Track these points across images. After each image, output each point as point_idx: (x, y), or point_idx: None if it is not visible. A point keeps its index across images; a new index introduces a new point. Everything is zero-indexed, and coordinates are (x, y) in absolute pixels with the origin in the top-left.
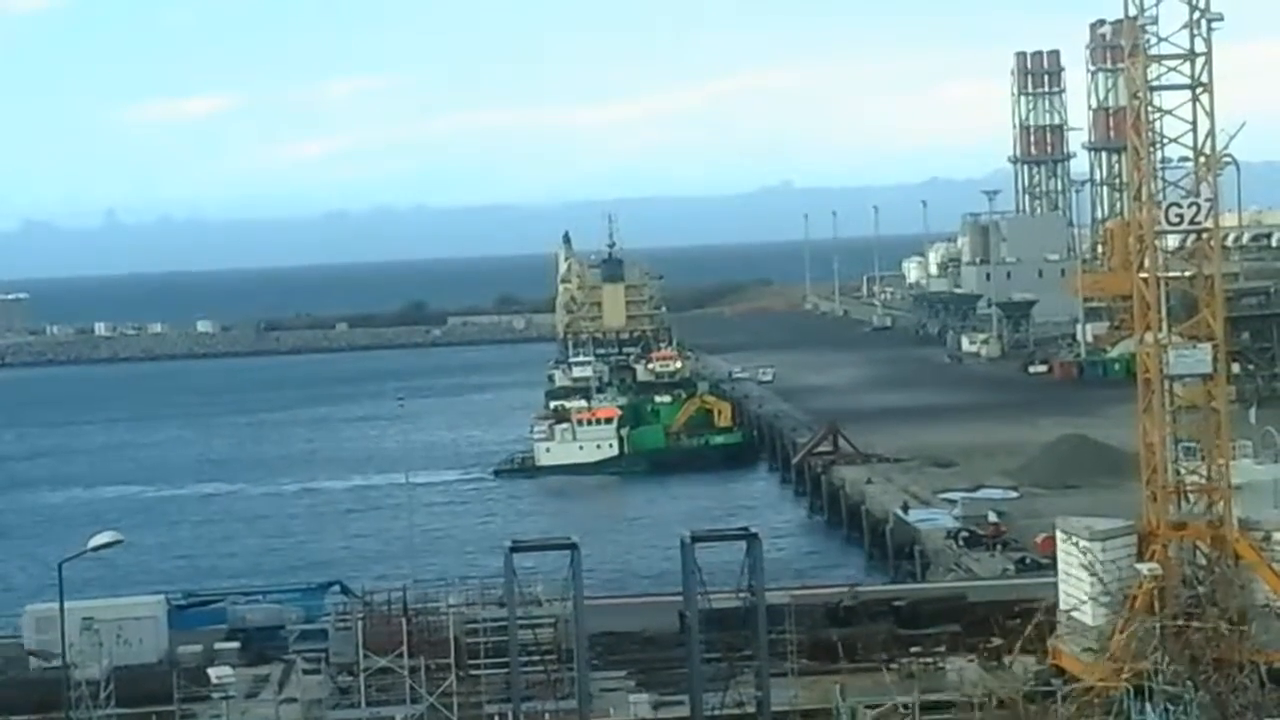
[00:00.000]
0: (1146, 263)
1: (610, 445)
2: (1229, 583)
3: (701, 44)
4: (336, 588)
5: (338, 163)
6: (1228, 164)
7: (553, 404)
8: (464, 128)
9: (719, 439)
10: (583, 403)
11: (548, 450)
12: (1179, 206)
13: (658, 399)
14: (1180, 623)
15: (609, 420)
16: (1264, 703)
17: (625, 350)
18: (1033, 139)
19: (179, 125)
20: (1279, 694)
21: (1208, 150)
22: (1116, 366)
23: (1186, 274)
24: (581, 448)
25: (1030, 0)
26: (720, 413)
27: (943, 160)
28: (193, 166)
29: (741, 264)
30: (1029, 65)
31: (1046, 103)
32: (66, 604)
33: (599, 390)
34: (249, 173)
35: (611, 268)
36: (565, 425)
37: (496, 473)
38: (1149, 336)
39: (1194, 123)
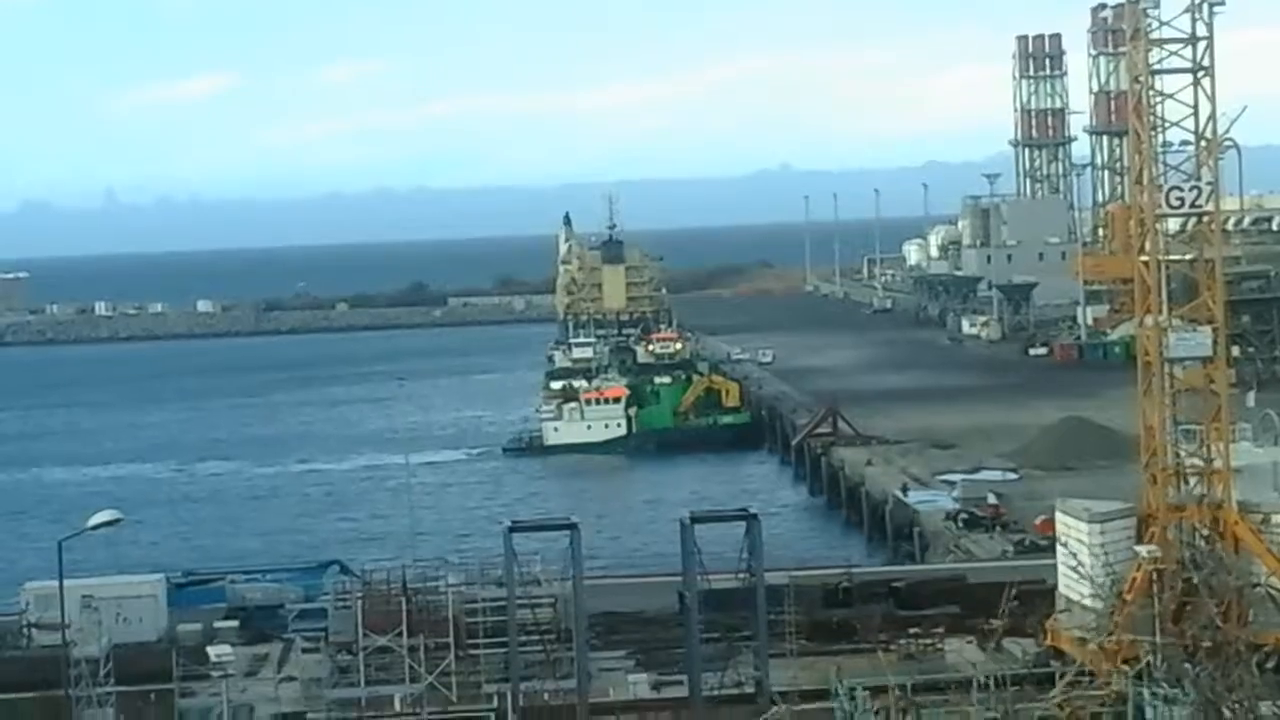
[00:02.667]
0: (1147, 246)
1: (618, 425)
2: (1224, 567)
3: (701, 27)
4: (336, 567)
5: (337, 144)
6: (1229, 148)
7: (559, 383)
8: (464, 110)
9: (727, 419)
10: (592, 382)
11: (556, 430)
12: (1180, 190)
13: (658, 380)
14: (1175, 608)
15: (617, 400)
16: (1257, 687)
17: (625, 331)
18: (1034, 122)
19: (179, 106)
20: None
21: (1209, 134)
22: (1117, 349)
23: (1187, 257)
24: (590, 427)
25: None
26: (728, 393)
27: (940, 144)
28: (192, 147)
29: (741, 246)
30: (1030, 49)
31: (1048, 86)
32: (66, 582)
33: (599, 371)
34: (249, 154)
35: (612, 249)
36: (573, 405)
37: (505, 451)
38: (1149, 319)
39: (1195, 107)
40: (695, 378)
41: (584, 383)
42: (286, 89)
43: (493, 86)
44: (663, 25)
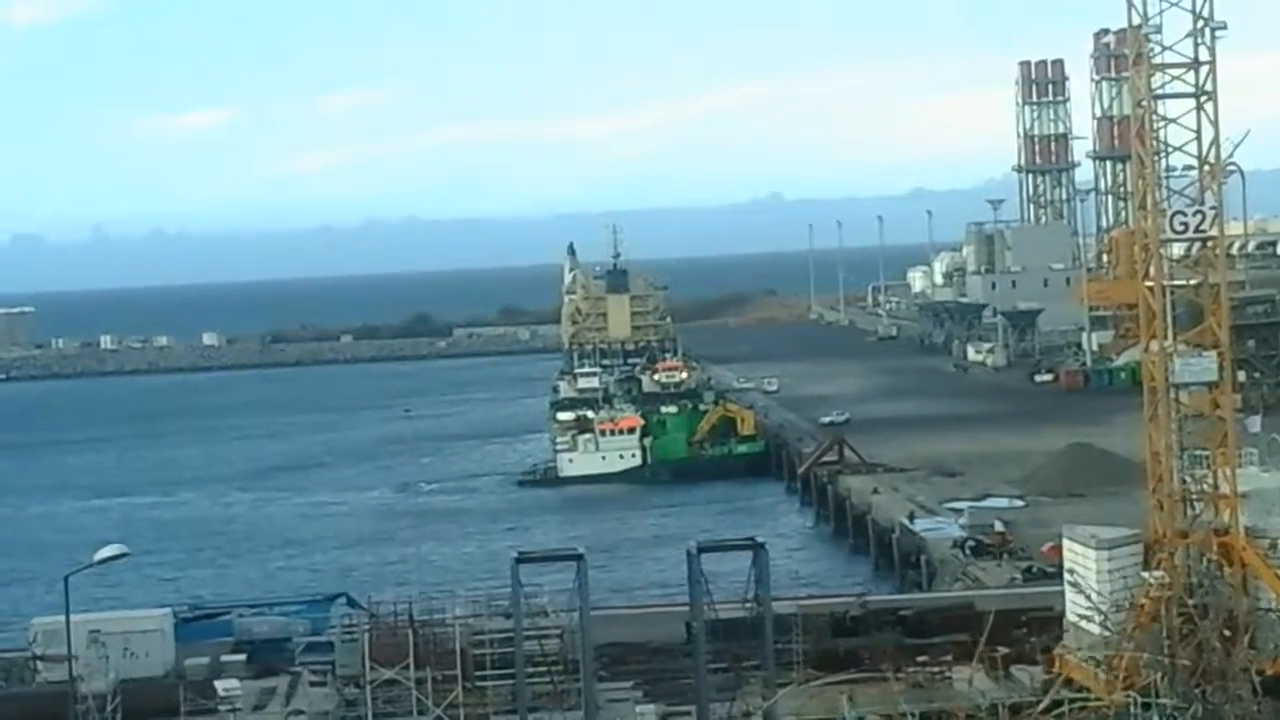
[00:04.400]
0: (1152, 271)
1: (633, 455)
2: (1219, 591)
3: (688, 58)
4: (343, 600)
5: (330, 176)
6: (1232, 172)
7: (567, 414)
8: (454, 140)
9: (742, 448)
10: (599, 412)
11: (571, 461)
12: (1184, 215)
13: (664, 409)
14: (1175, 634)
15: (632, 430)
16: (1260, 713)
17: (631, 361)
18: (1037, 148)
19: (173, 140)
20: (1275, 704)
21: (1212, 159)
22: (1122, 375)
23: (1192, 282)
24: (604, 458)
25: (1032, 9)
26: (743, 421)
27: (926, 172)
28: (185, 181)
29: (742, 274)
30: (1033, 74)
31: (1051, 112)
32: (73, 617)
33: (609, 401)
34: (241, 187)
35: (616, 278)
36: (588, 436)
37: (519, 483)
38: (1154, 345)
39: (1198, 131)
40: (703, 407)
41: (596, 413)
42: (282, 121)
43: (483, 117)
44: (650, 58)
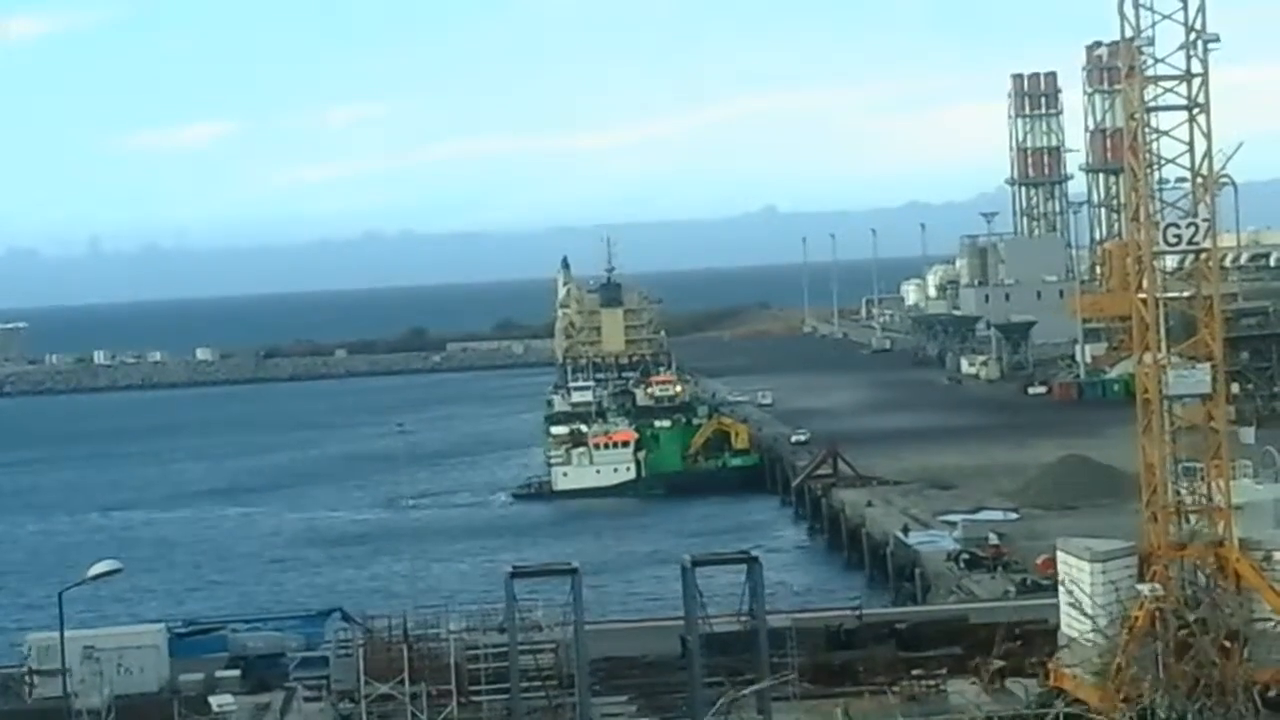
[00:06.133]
0: (1145, 283)
1: (627, 469)
2: (1222, 605)
3: (684, 73)
4: (337, 615)
5: (327, 190)
6: (1225, 184)
7: (561, 428)
8: (452, 155)
9: (736, 461)
10: (592, 426)
11: (565, 474)
12: (1177, 227)
13: (657, 424)
14: (1176, 647)
15: (626, 444)
16: None
17: (625, 375)
18: (1030, 161)
19: (169, 153)
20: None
21: (1205, 170)
22: (1116, 387)
23: (1185, 294)
24: (599, 471)
25: (1025, 23)
26: (738, 435)
27: (920, 185)
28: (182, 195)
29: (736, 288)
30: (1026, 87)
31: (1044, 125)
32: (67, 633)
33: (601, 415)
34: (236, 200)
35: (610, 292)
36: (582, 449)
37: (514, 496)
38: (1148, 357)
39: (1191, 143)
40: (697, 421)
41: (590, 427)
42: (279, 135)
43: (479, 131)
44: (643, 74)
